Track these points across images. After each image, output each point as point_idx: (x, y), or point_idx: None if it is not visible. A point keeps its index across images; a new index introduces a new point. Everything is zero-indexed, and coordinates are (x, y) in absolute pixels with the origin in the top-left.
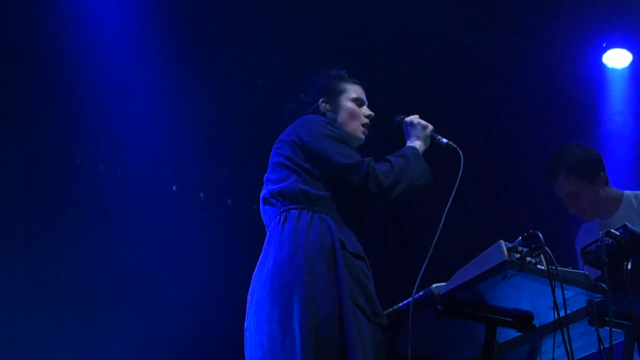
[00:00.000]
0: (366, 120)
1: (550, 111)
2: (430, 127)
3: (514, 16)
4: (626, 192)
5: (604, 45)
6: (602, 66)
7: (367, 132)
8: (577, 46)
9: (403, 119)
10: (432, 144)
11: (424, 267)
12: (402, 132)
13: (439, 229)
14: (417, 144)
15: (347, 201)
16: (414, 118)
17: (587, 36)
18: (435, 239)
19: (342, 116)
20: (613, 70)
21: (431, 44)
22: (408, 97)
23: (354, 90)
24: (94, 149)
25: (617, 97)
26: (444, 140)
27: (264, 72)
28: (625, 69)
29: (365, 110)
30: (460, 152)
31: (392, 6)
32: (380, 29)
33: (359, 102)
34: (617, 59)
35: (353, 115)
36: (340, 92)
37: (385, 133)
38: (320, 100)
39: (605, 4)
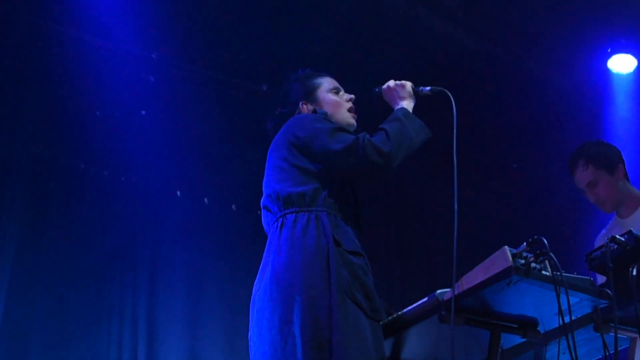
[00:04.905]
0: (350, 104)
1: (555, 116)
2: (409, 83)
3: (518, 22)
4: None
5: (609, 50)
6: (607, 71)
7: (355, 115)
8: (582, 52)
9: (381, 88)
10: (419, 99)
11: (454, 262)
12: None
13: (455, 194)
14: (403, 104)
15: (345, 197)
16: (390, 83)
17: (592, 42)
18: (455, 225)
19: (327, 109)
20: (618, 75)
21: (436, 51)
22: (418, 103)
23: (326, 82)
24: (99, 154)
25: (622, 102)
26: (427, 88)
27: (268, 77)
28: (630, 74)
29: (345, 95)
30: (448, 93)
31: (399, 14)
32: (387, 37)
33: (335, 90)
34: (622, 64)
35: (336, 105)
36: (315, 88)
37: None
38: (301, 104)
39: (610, 9)
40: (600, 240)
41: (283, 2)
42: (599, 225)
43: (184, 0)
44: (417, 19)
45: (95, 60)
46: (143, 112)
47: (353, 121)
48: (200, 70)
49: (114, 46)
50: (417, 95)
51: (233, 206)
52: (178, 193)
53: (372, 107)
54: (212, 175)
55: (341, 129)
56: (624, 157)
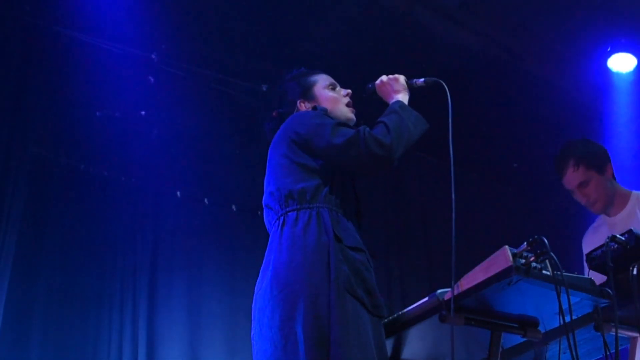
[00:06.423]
0: (347, 99)
1: (555, 116)
2: (402, 76)
3: (518, 22)
4: (634, 191)
5: (609, 49)
6: (607, 71)
7: (354, 110)
8: (582, 51)
9: (374, 84)
10: (413, 91)
11: (453, 261)
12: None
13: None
14: (399, 97)
15: (346, 193)
16: (383, 77)
17: (591, 41)
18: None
19: (325, 106)
20: (618, 74)
21: (436, 51)
22: (413, 104)
23: (322, 79)
24: (99, 155)
25: (622, 101)
26: (421, 80)
27: (268, 77)
28: (630, 73)
29: (342, 91)
30: (443, 83)
31: (399, 14)
32: (387, 37)
33: (332, 86)
34: (621, 63)
35: (334, 101)
36: (311, 85)
37: None
38: (298, 102)
39: (610, 8)
40: (588, 239)
41: (282, 2)
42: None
43: (183, 1)
44: (417, 19)
45: (96, 61)
46: (143, 113)
47: (352, 115)
48: (200, 70)
49: (114, 46)
50: (411, 88)
51: (233, 206)
52: (178, 193)
53: (371, 106)
54: (212, 175)
55: (342, 123)
56: (625, 157)
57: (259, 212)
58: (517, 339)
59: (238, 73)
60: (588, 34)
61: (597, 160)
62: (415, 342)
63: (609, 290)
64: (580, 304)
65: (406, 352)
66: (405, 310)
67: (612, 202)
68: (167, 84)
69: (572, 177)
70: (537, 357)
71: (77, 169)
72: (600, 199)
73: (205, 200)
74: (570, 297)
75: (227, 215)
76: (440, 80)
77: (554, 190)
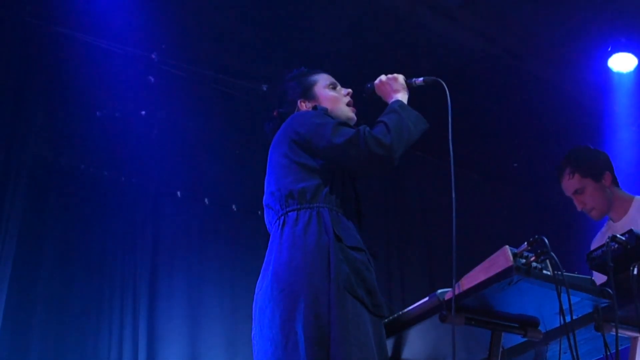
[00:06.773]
0: (348, 99)
1: (555, 116)
2: (401, 76)
3: (519, 22)
4: (636, 196)
5: (609, 49)
6: (608, 70)
7: (355, 109)
8: (582, 51)
9: (373, 84)
10: (412, 91)
11: (454, 261)
12: (381, 99)
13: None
14: (398, 96)
15: (346, 192)
16: (382, 77)
17: (592, 40)
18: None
19: (325, 105)
20: (619, 74)
21: (436, 51)
22: (414, 104)
23: (322, 79)
24: (98, 155)
25: (622, 101)
26: (420, 79)
27: (268, 77)
28: (630, 73)
29: (342, 90)
30: (442, 82)
31: (400, 14)
32: (387, 37)
33: (332, 85)
34: (622, 63)
35: (335, 100)
36: (311, 85)
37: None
38: (299, 102)
39: (610, 8)
40: (595, 244)
41: (282, 2)
42: (599, 225)
43: (183, 1)
44: (418, 19)
45: (96, 61)
46: (143, 113)
47: (353, 115)
48: (200, 70)
49: (114, 46)
50: (410, 87)
51: (233, 206)
52: (178, 193)
53: (371, 106)
54: (212, 175)
55: (342, 123)
56: (624, 158)
57: (259, 212)
58: (518, 339)
59: (238, 73)
60: (588, 33)
61: (593, 168)
62: (416, 342)
63: (609, 290)
64: (581, 303)
65: (406, 352)
66: (405, 310)
67: (611, 209)
68: (167, 84)
69: (567, 184)
70: (538, 357)
71: (77, 169)
72: (597, 207)
73: (205, 200)
74: (571, 297)
75: (227, 215)
76: (440, 79)
77: (554, 190)
